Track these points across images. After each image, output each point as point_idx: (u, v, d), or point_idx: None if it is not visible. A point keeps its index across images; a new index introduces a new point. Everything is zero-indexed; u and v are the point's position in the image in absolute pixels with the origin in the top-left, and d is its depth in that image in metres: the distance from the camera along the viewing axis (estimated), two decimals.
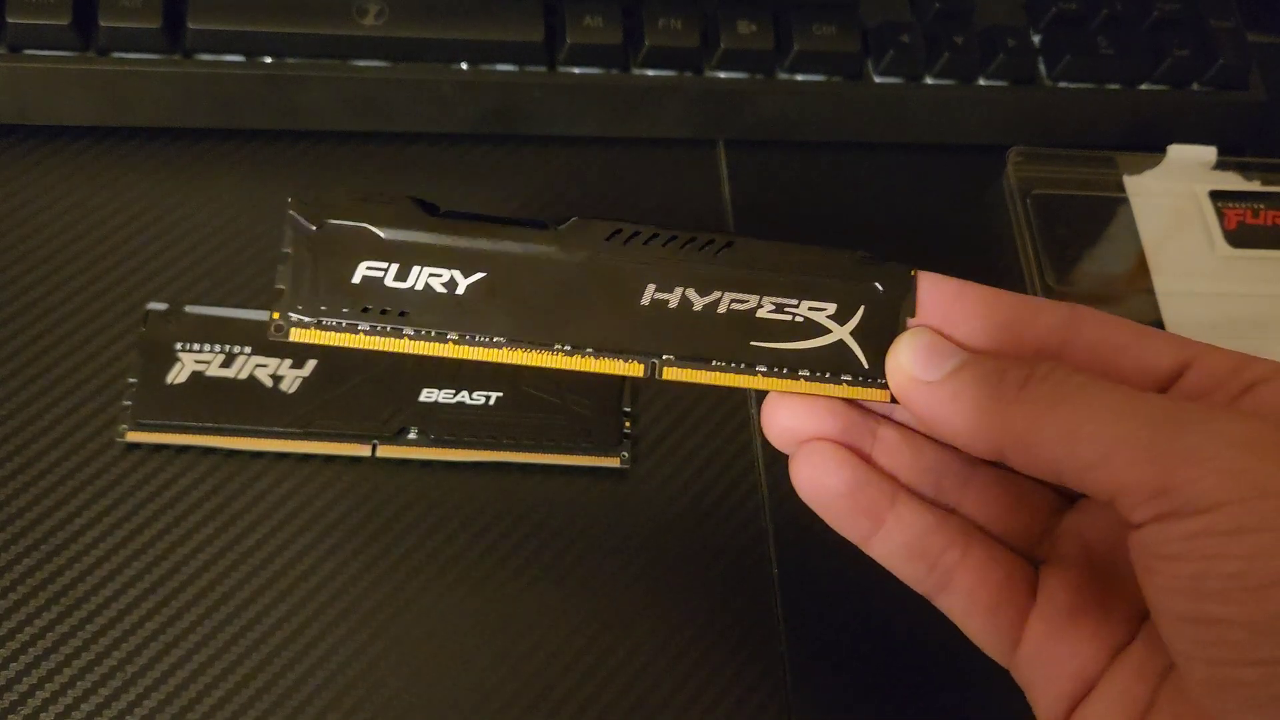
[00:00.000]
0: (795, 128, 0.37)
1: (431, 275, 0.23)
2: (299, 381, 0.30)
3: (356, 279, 0.23)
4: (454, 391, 0.31)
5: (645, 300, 0.23)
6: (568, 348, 0.23)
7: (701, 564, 0.30)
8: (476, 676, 0.28)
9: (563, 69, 0.35)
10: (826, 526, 0.32)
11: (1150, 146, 0.38)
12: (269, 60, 0.33)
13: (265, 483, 0.30)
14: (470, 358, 0.23)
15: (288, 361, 0.31)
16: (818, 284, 0.23)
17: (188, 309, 0.31)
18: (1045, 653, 0.22)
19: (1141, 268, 0.36)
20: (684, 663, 0.29)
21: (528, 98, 0.35)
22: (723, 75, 0.36)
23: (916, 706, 0.30)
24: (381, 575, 0.29)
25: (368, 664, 0.28)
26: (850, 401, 0.23)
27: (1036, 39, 0.38)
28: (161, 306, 0.31)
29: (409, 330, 0.23)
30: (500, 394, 0.31)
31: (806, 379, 0.23)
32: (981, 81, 0.37)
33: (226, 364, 0.30)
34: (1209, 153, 0.38)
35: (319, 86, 0.33)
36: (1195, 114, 0.39)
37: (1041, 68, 0.38)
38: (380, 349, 0.23)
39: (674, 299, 0.23)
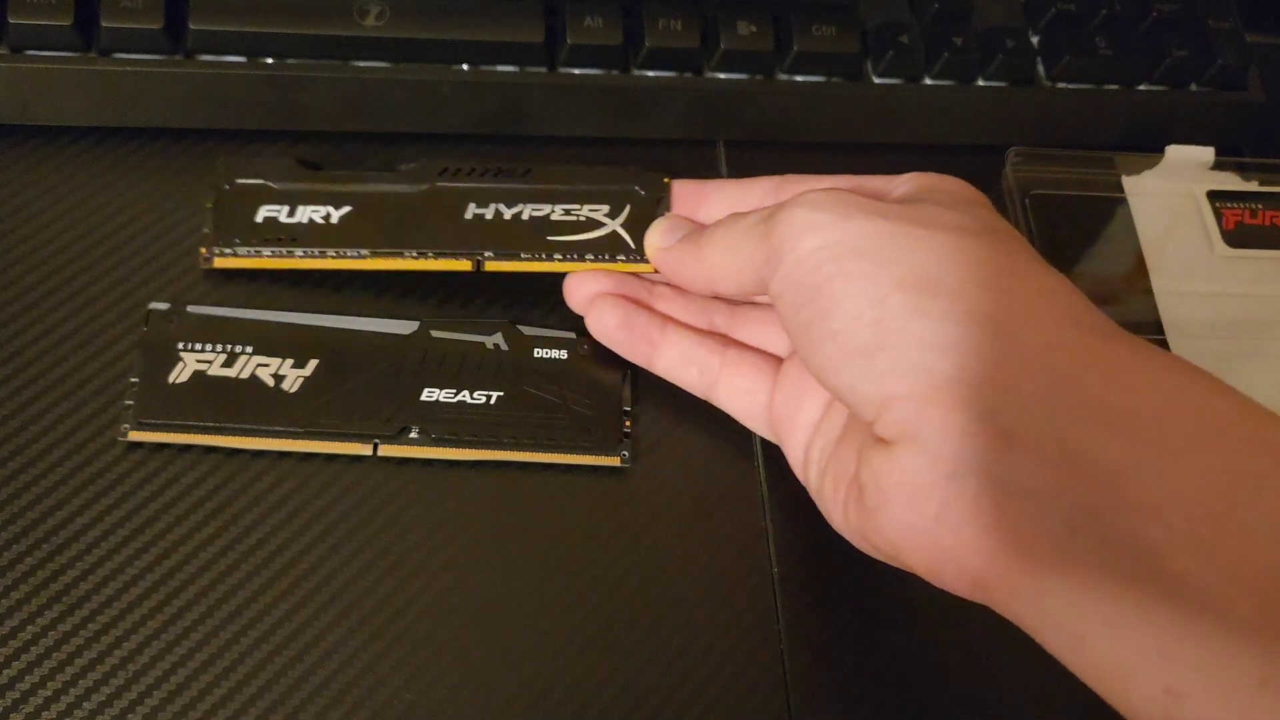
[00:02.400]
0: (795, 128, 0.37)
1: (313, 211, 0.32)
2: (300, 381, 0.30)
3: (259, 219, 0.32)
4: (455, 391, 0.31)
5: (468, 216, 0.32)
6: (414, 253, 0.31)
7: (701, 564, 0.31)
8: (476, 676, 0.28)
9: (563, 70, 0.35)
10: (827, 526, 0.32)
11: (1149, 147, 0.38)
12: (270, 61, 0.33)
13: (267, 482, 0.30)
14: (345, 267, 0.31)
15: (289, 361, 0.31)
16: (595, 192, 0.32)
17: (189, 309, 0.31)
18: (785, 414, 0.29)
19: (1140, 268, 0.36)
20: (684, 662, 0.29)
21: (528, 98, 0.35)
22: (722, 76, 0.36)
23: (916, 707, 0.30)
24: (381, 575, 0.29)
25: (367, 663, 0.28)
26: (631, 274, 0.32)
27: (1035, 40, 0.38)
28: (163, 306, 0.31)
29: (299, 251, 0.31)
30: (501, 393, 0.31)
31: (592, 260, 0.32)
32: (980, 82, 0.37)
33: (228, 364, 0.30)
34: (1207, 153, 0.38)
35: (320, 87, 0.34)
36: (1194, 114, 0.39)
37: (1040, 68, 0.38)
38: (281, 266, 0.31)
39: (489, 213, 0.32)
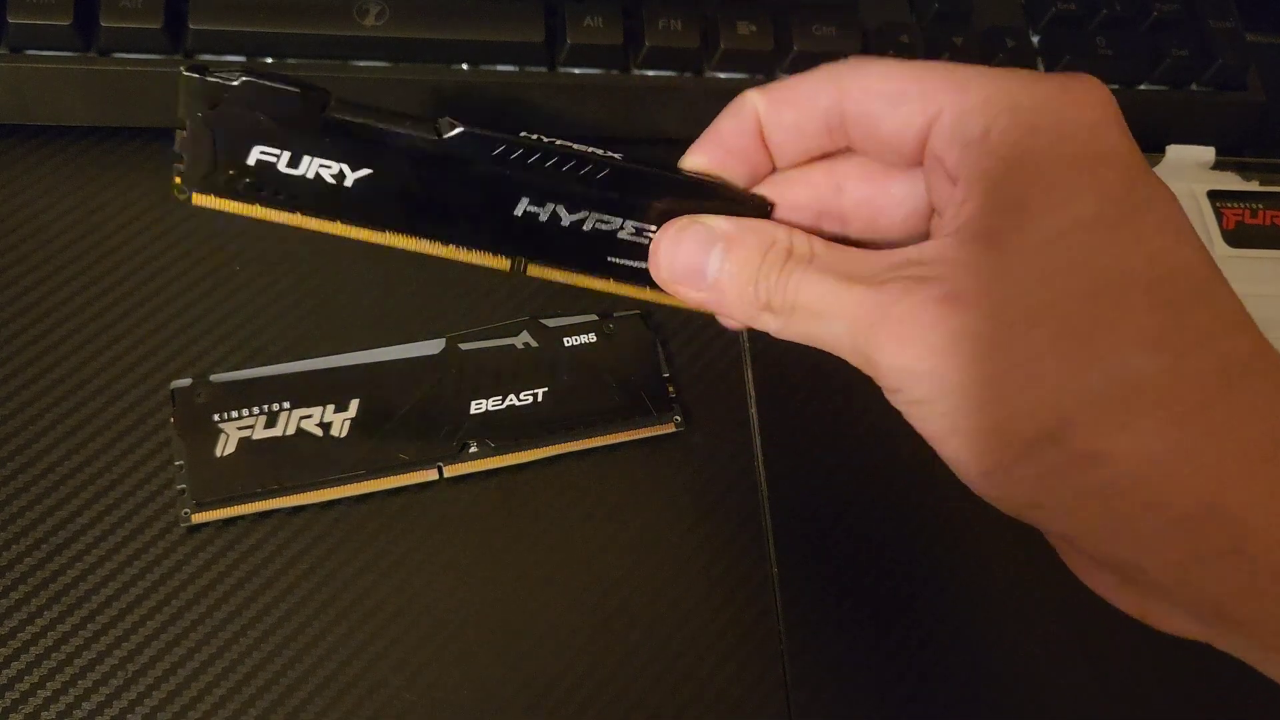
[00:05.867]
0: None
1: (321, 166, 0.24)
2: (347, 424, 0.30)
3: (251, 161, 0.24)
4: (501, 398, 0.31)
5: (518, 212, 0.25)
6: (440, 240, 0.25)
7: (701, 564, 0.30)
8: (476, 676, 0.28)
9: (563, 69, 0.35)
10: (826, 526, 0.32)
11: (1149, 147, 0.38)
12: (270, 61, 0.33)
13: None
14: (352, 236, 0.25)
15: (330, 406, 0.30)
16: (679, 208, 0.25)
17: (213, 378, 0.30)
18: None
19: None
20: (684, 662, 0.29)
21: (528, 98, 0.35)
22: (722, 76, 0.36)
23: (916, 706, 0.30)
24: (382, 583, 0.29)
25: (368, 662, 0.28)
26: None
27: (1035, 39, 0.38)
28: (186, 382, 0.30)
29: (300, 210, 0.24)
30: (546, 389, 0.31)
31: (652, 291, 0.26)
32: None
33: (270, 424, 0.30)
34: (1207, 153, 0.38)
35: None
36: (1194, 114, 0.39)
37: (1041, 68, 0.38)
38: (273, 220, 0.25)
39: (544, 214, 0.25)
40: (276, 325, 0.32)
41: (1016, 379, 0.20)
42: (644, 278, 0.26)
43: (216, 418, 0.29)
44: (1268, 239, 0.37)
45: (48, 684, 0.27)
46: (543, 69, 0.35)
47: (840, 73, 0.24)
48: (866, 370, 0.22)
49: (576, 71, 0.35)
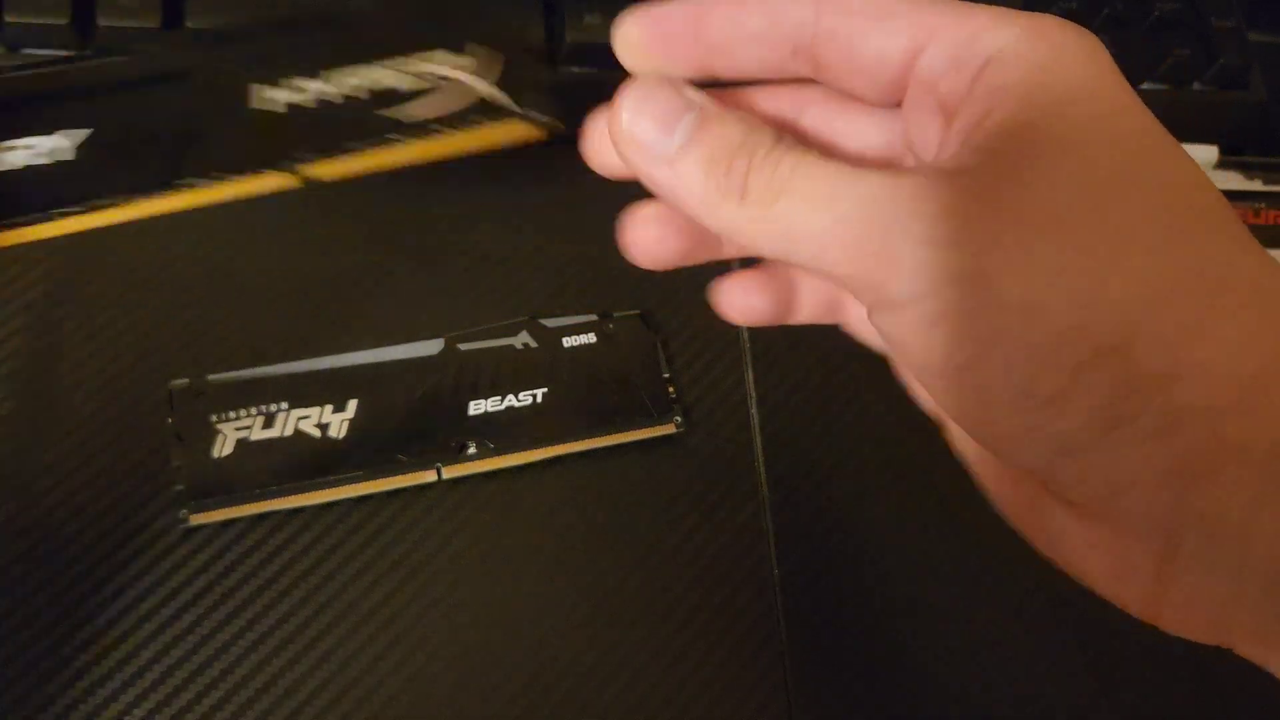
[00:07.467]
0: None
1: (26, 148, 0.19)
2: (345, 424, 0.30)
3: None
4: (500, 399, 0.31)
5: (255, 104, 0.20)
6: (199, 181, 0.20)
7: (701, 564, 0.30)
8: (476, 677, 0.28)
9: (563, 68, 0.35)
10: (827, 526, 0.32)
11: None
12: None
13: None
14: (101, 224, 0.20)
15: (329, 407, 0.30)
16: (445, 37, 0.21)
17: (211, 378, 0.30)
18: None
19: None
20: (684, 663, 0.29)
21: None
22: None
23: (916, 706, 0.30)
24: (390, 587, 0.29)
25: (367, 663, 0.28)
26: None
27: None
28: (184, 382, 0.30)
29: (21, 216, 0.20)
30: (545, 389, 0.31)
31: (449, 132, 0.22)
32: None
33: (268, 424, 0.29)
34: (1210, 152, 0.38)
35: None
36: (1196, 113, 0.39)
37: None
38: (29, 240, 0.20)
39: (284, 93, 0.21)
40: (275, 325, 0.32)
41: (1082, 282, 0.17)
42: (435, 123, 0.22)
43: (214, 418, 0.29)
44: (1271, 239, 0.37)
45: (46, 685, 0.27)
46: (542, 68, 0.35)
47: None
48: (858, 283, 0.18)
49: (576, 70, 0.35)
